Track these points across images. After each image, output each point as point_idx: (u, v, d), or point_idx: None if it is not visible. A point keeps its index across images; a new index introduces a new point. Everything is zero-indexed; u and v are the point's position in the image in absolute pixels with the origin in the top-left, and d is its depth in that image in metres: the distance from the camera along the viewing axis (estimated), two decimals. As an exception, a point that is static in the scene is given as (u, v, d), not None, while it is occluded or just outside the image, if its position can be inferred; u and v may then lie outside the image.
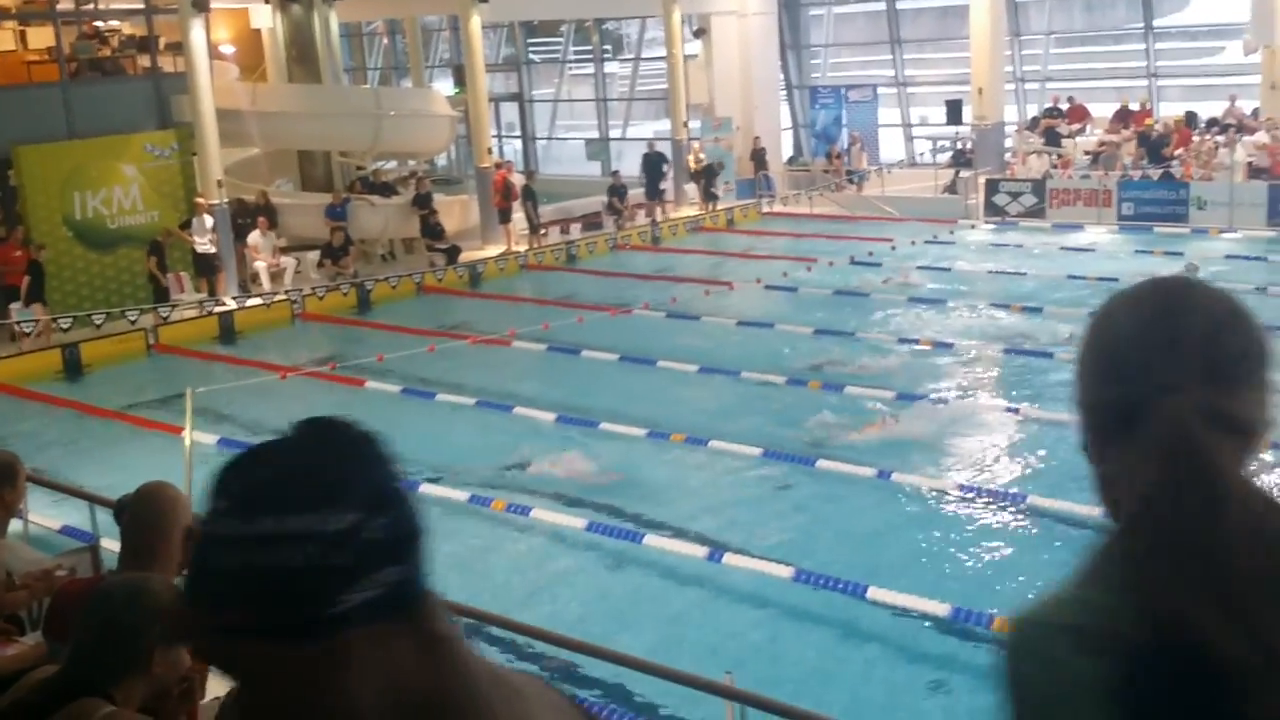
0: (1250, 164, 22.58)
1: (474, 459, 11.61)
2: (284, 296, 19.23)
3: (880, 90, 30.55)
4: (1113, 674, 1.23)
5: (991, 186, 24.57)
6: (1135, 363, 1.34)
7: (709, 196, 26.16)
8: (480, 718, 1.21)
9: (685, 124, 27.13)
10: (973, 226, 24.08)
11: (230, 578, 1.16)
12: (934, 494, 10.09)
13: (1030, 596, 1.40)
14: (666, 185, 26.05)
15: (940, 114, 28.77)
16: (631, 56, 35.21)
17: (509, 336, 16.14)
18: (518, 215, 22.97)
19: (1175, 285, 1.40)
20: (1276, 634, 1.22)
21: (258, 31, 26.76)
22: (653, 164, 25.70)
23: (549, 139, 35.39)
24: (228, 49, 25.29)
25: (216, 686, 3.31)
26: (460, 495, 10.43)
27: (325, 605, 1.15)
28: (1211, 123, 24.73)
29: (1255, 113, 24.15)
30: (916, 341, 15.29)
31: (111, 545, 4.93)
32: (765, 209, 26.99)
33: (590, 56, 35.13)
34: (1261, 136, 22.86)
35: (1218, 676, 1.21)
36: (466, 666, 1.23)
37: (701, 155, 26.90)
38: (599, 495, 10.46)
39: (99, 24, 22.21)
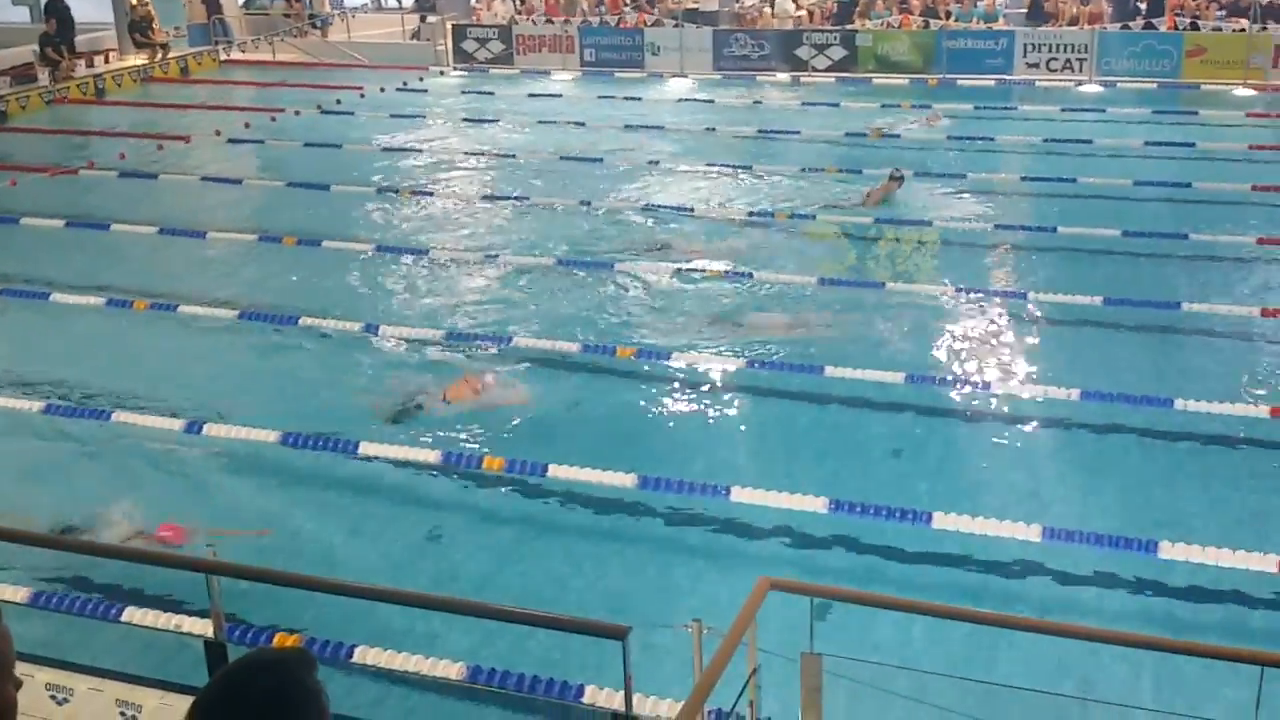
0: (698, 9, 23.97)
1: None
2: None
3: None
4: None
5: (459, 33, 24.44)
6: None
7: (148, 45, 23.93)
8: None
9: (124, -38, 24.54)
10: (442, 73, 23.91)
11: None
12: (406, 343, 9.97)
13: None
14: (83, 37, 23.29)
15: (401, -43, 28.14)
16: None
17: (-73, 207, 14.11)
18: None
19: None
20: None
21: None
22: (57, 11, 22.66)
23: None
24: None
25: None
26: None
27: None
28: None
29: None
30: (395, 191, 15.01)
31: None
32: (223, 57, 25.24)
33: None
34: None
35: None
36: None
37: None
38: (56, 374, 9.44)
39: None
